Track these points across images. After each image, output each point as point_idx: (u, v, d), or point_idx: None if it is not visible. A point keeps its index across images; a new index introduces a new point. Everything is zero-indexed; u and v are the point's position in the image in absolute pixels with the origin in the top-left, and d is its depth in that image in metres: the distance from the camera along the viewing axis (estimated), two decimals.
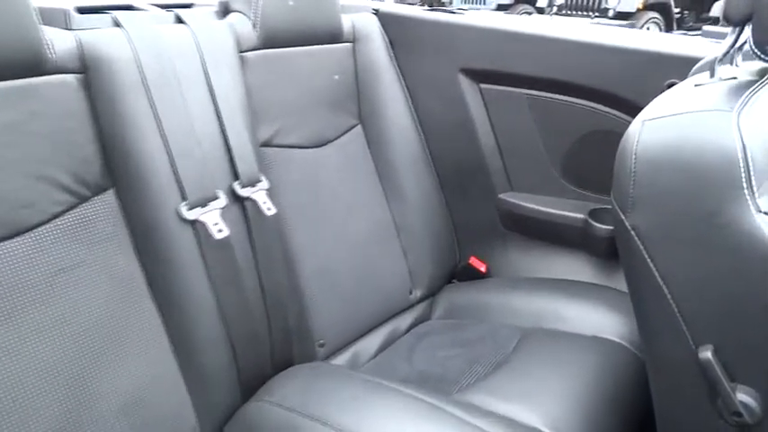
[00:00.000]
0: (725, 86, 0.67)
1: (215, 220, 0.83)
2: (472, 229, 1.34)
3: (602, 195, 1.21)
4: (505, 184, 1.29)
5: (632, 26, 6.28)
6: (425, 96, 1.27)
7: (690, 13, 7.15)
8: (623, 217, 0.66)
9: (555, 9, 6.78)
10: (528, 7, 7.38)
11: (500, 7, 7.51)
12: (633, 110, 1.11)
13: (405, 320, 1.22)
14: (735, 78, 0.69)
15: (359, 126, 1.21)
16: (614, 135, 1.14)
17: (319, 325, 1.05)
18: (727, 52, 0.70)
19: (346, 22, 1.17)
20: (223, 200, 0.86)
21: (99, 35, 0.79)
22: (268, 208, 0.91)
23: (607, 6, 6.40)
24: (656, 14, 6.54)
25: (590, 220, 1.18)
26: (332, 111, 1.15)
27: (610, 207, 1.22)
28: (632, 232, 0.66)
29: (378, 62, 1.21)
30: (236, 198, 0.89)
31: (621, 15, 6.37)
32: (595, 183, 1.21)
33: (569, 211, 1.21)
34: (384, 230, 1.22)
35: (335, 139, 1.16)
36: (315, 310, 1.05)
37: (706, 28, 5.60)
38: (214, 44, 0.91)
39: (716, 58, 0.70)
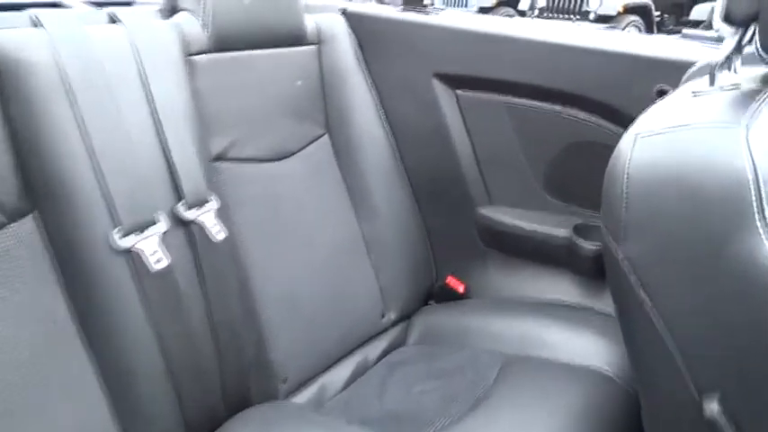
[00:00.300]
0: (727, 96, 0.59)
1: (153, 248, 0.73)
2: (449, 246, 1.25)
3: (587, 210, 1.12)
4: (484, 198, 1.20)
5: (613, 29, 6.27)
6: (397, 103, 1.18)
7: (669, 17, 7.16)
8: (614, 245, 0.58)
9: (536, 12, 6.74)
10: (509, 10, 7.34)
11: (482, 10, 7.46)
12: (620, 118, 1.03)
13: (376, 347, 1.12)
14: (738, 87, 0.60)
15: (325, 136, 1.11)
16: (599, 146, 1.06)
17: (280, 357, 0.95)
18: (729, 57, 0.62)
19: (310, 22, 1.08)
20: (164, 224, 0.76)
21: (13, 36, 0.69)
22: (218, 231, 0.81)
23: (588, 9, 6.37)
24: (636, 18, 6.53)
25: (575, 237, 1.09)
26: (295, 120, 1.05)
27: (596, 222, 1.15)
28: (624, 263, 0.57)
29: (345, 66, 1.12)
30: (179, 222, 0.79)
31: (602, 18, 6.35)
32: (580, 196, 1.12)
33: (553, 227, 1.12)
34: (353, 248, 1.12)
35: (299, 150, 1.06)
36: (275, 341, 0.95)
37: (686, 31, 5.56)
38: (154, 46, 0.81)
39: (716, 64, 0.61)
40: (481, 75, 1.11)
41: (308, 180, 1.06)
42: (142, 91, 0.77)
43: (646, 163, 0.54)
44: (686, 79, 0.85)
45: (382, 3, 1.29)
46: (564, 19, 6.53)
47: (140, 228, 0.73)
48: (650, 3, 6.71)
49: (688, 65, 0.92)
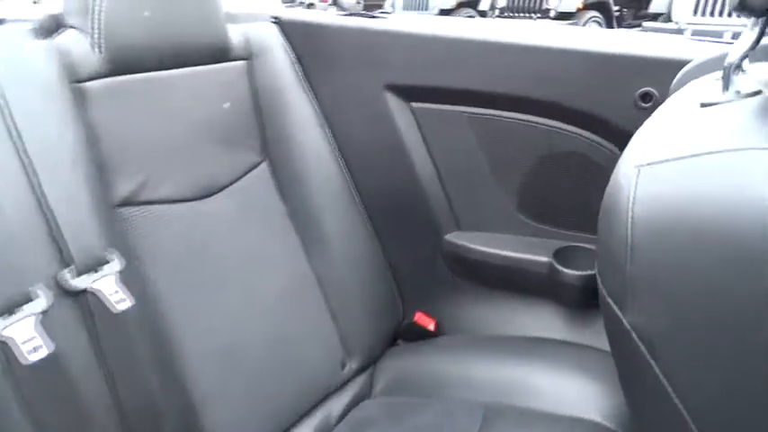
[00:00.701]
0: (748, 107, 0.45)
1: (27, 334, 0.57)
2: (415, 279, 1.10)
3: (569, 230, 0.99)
4: (451, 223, 1.06)
5: (575, 26, 6.23)
6: (345, 121, 1.04)
7: (628, 11, 7.15)
8: (615, 310, 0.44)
9: (497, 12, 6.67)
10: (470, 11, 7.26)
11: (442, 12, 7.36)
12: (599, 126, 0.89)
13: (338, 403, 0.97)
14: (759, 93, 0.47)
15: (263, 163, 0.96)
16: (577, 157, 0.93)
17: (217, 424, 0.80)
18: (745, 56, 0.48)
19: (237, 34, 0.92)
20: (43, 300, 0.59)
21: None
22: (119, 300, 0.65)
23: (548, 7, 6.32)
24: (596, 13, 6.50)
25: (556, 264, 0.96)
26: (224, 148, 0.90)
27: (578, 245, 1.02)
28: (632, 333, 0.43)
29: (282, 82, 0.97)
30: (67, 293, 0.62)
31: (563, 15, 6.31)
32: (560, 216, 0.99)
33: (530, 254, 0.99)
34: (304, 291, 0.97)
35: (231, 183, 0.90)
36: (209, 405, 0.79)
37: (646, 24, 5.56)
38: (25, 73, 0.65)
39: (731, 65, 0.48)
40: (439, 84, 0.97)
41: (243, 217, 0.90)
42: (5, 130, 0.61)
43: (656, 202, 0.40)
44: (680, 81, 0.72)
45: (340, 7, 1.15)
46: (524, 17, 6.48)
47: (9, 309, 0.57)
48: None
49: (677, 63, 0.80)
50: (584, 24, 6.33)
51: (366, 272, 1.04)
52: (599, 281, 0.47)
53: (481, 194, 1.02)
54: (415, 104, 1.01)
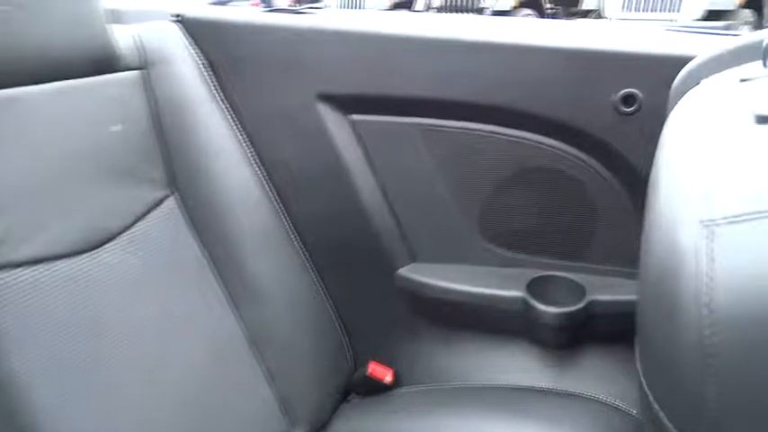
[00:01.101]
0: None
1: None
2: (367, 324, 0.94)
3: (544, 258, 0.85)
4: (405, 254, 0.90)
5: None
6: (272, 139, 0.86)
7: (560, 8, 7.21)
8: None
9: (435, 11, 6.58)
10: (404, 12, 7.17)
11: None
12: (575, 136, 0.76)
13: None
14: None
15: (170, 198, 0.77)
16: (551, 172, 0.79)
17: None
18: None
19: (126, 37, 0.73)
20: None
21: None
22: None
23: (484, 6, 6.29)
24: (530, 11, 6.52)
25: (530, 299, 0.81)
26: (115, 183, 0.70)
27: (556, 274, 0.88)
28: None
29: (189, 95, 0.78)
30: None
31: (498, 14, 6.29)
32: (533, 242, 0.85)
33: (500, 288, 0.84)
34: (232, 351, 0.79)
35: (128, 228, 0.71)
36: None
37: (579, 21, 5.60)
38: None
39: None
40: (384, 92, 0.81)
41: (146, 269, 0.71)
42: None
43: (755, 290, 0.25)
44: (684, 82, 0.58)
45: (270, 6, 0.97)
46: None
47: None
48: None
49: (665, 60, 0.67)
50: None
51: (307, 320, 0.87)
52: (643, 385, 0.32)
53: (440, 220, 0.87)
54: (355, 117, 0.84)
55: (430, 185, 0.86)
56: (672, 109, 0.57)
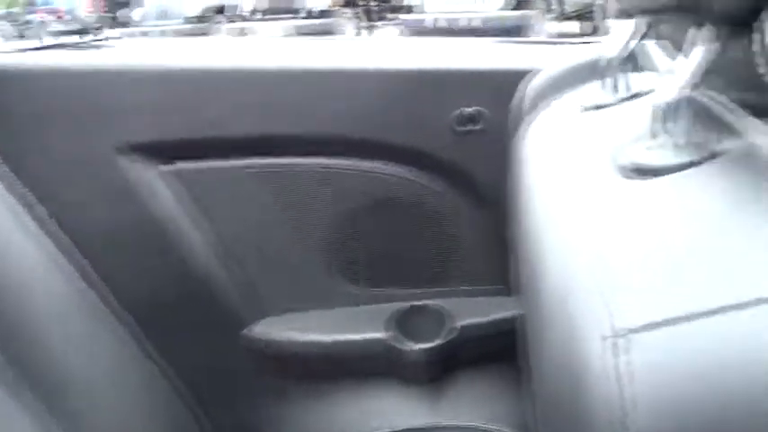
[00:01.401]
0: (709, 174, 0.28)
1: None
2: (223, 392, 0.82)
3: (407, 289, 0.80)
4: (254, 310, 0.80)
5: (334, 24, 6.22)
6: (71, 199, 0.71)
7: (382, 4, 7.36)
8: None
9: (259, 15, 6.35)
10: (221, 17, 6.85)
11: (188, 21, 6.80)
12: (418, 159, 0.72)
13: None
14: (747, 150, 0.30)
15: None
16: (398, 200, 0.75)
17: None
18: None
19: None
20: None
21: None
22: None
23: (305, 6, 6.21)
24: (350, 10, 6.56)
25: (397, 338, 0.76)
26: None
27: (422, 303, 0.83)
28: None
29: None
30: None
31: (320, 14, 6.26)
32: (392, 273, 0.80)
33: (364, 330, 0.78)
34: None
35: None
36: None
37: (403, 17, 5.76)
38: None
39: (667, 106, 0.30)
40: (201, 135, 0.71)
41: None
42: None
43: (667, 403, 0.20)
44: (523, 102, 0.55)
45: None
46: (280, 18, 6.30)
47: None
48: None
49: (507, 75, 0.64)
50: (340, 21, 6.37)
51: (143, 408, 0.73)
52: None
53: (289, 266, 0.78)
54: (165, 167, 0.73)
55: (270, 231, 0.77)
56: (515, 131, 0.54)
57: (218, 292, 0.77)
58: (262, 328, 0.79)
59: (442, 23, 5.43)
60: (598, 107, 0.43)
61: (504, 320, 0.73)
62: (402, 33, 5.79)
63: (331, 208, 0.76)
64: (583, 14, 6.37)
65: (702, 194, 0.26)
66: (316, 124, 0.71)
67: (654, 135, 0.30)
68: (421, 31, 5.55)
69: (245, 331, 0.79)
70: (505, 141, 0.57)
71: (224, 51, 0.73)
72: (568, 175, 0.34)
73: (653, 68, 0.48)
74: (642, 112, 0.37)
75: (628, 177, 0.30)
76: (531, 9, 5.35)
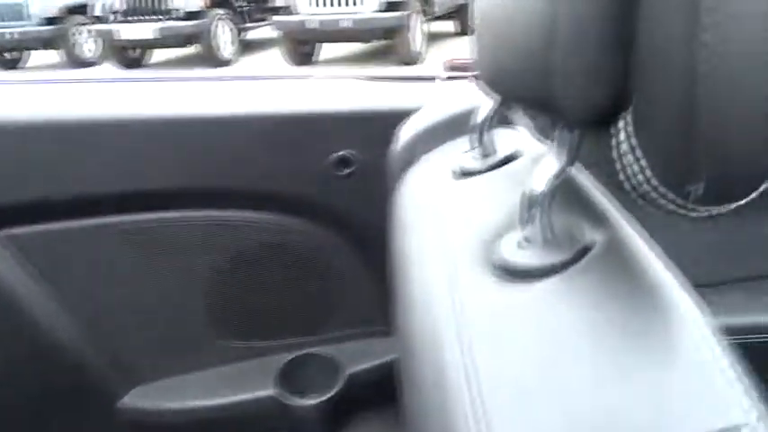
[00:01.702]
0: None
1: None
2: None
3: (291, 339, 0.76)
4: (122, 382, 0.72)
5: (206, 26, 5.95)
6: None
7: (253, 5, 7.15)
8: None
9: (118, 16, 5.92)
10: (82, 18, 6.33)
11: (48, 21, 6.24)
12: (292, 205, 0.69)
13: None
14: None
15: None
16: (274, 248, 0.72)
17: None
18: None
19: None
20: None
21: None
22: None
23: (173, 7, 5.88)
24: (222, 11, 6.30)
25: (283, 394, 0.72)
26: None
27: (310, 352, 0.80)
28: None
29: None
30: None
31: (190, 15, 5.96)
32: (274, 324, 0.75)
33: (249, 388, 0.73)
34: None
35: None
36: None
37: (276, 18, 5.64)
38: None
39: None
40: (41, 196, 0.62)
41: None
42: None
43: None
44: (400, 154, 0.54)
45: None
46: (149, 21, 5.94)
47: None
48: None
49: (379, 117, 0.63)
50: (213, 24, 6.11)
51: None
52: None
53: (161, 326, 0.72)
54: (15, 231, 0.64)
55: (139, 291, 0.70)
56: (393, 183, 0.52)
57: (84, 366, 0.70)
58: (137, 399, 0.72)
59: (315, 25, 5.38)
60: (469, 174, 0.42)
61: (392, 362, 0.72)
62: (277, 34, 5.67)
63: (207, 262, 0.71)
64: (452, 14, 6.62)
65: (564, 306, 0.26)
66: (179, 175, 0.66)
67: (523, 224, 0.30)
68: (294, 31, 5.46)
69: (118, 404, 0.72)
70: (384, 187, 0.56)
71: (85, 98, 0.66)
72: (440, 264, 0.33)
73: (524, 125, 0.48)
74: (512, 186, 0.37)
75: (498, 277, 0.29)
76: (404, 11, 5.44)
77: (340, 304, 0.76)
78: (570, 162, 0.29)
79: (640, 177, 0.24)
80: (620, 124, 0.25)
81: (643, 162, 0.24)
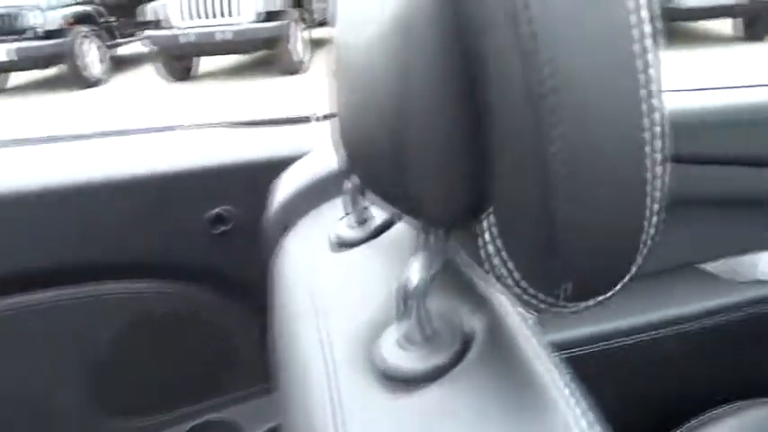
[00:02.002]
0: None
1: None
2: None
3: (180, 408, 0.72)
4: None
5: (68, 45, 5.53)
6: None
7: (121, 20, 6.75)
8: None
9: None
10: None
11: None
12: (169, 270, 0.66)
13: None
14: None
15: None
16: (157, 317, 0.68)
17: None
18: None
19: None
20: None
21: None
22: None
23: (29, 26, 5.41)
24: (86, 28, 5.88)
25: None
26: None
27: (211, 419, 0.76)
28: None
29: None
30: None
31: (50, 34, 5.50)
32: (164, 395, 0.71)
33: None
34: None
35: None
36: None
37: (148, 33, 5.35)
38: None
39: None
40: None
41: None
42: None
43: None
44: (276, 218, 0.52)
45: None
46: (2, 41, 5.43)
47: None
48: (95, 9, 6.19)
49: (253, 168, 0.61)
50: (77, 42, 5.69)
51: None
52: None
53: (39, 412, 0.65)
54: None
55: (8, 381, 0.63)
56: (271, 248, 0.51)
57: None
58: None
59: (191, 39, 5.16)
60: (346, 245, 0.41)
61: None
62: (150, 50, 5.38)
63: (77, 340, 0.65)
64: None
65: (448, 420, 0.26)
66: (55, 252, 0.60)
67: (400, 319, 0.29)
68: (168, 47, 5.21)
69: None
70: (263, 242, 0.54)
71: None
72: (319, 360, 0.32)
73: None
74: (391, 262, 0.37)
75: (380, 384, 0.28)
76: (283, 20, 5.35)
77: (235, 364, 0.73)
78: (440, 263, 0.28)
79: (509, 281, 0.24)
80: (485, 225, 0.25)
81: (510, 265, 0.24)
